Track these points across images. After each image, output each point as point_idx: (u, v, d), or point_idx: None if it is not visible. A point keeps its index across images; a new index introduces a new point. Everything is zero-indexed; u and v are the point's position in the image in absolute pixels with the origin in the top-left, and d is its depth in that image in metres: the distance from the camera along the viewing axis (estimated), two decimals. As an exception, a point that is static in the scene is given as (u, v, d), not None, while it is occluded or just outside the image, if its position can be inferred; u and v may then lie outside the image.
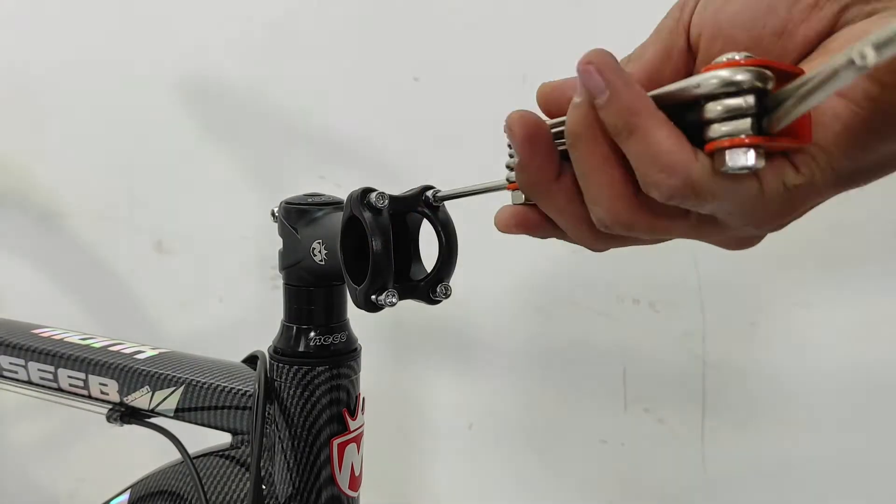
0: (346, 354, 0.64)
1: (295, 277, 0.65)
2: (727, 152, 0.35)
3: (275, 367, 0.64)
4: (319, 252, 0.60)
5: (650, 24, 1.29)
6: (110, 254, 1.55)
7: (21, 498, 1.67)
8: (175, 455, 0.72)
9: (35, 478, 1.65)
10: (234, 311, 1.50)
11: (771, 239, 1.22)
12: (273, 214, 0.67)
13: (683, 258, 1.29)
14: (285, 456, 0.63)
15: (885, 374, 1.26)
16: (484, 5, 1.31)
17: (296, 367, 0.62)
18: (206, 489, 0.68)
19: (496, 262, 1.34)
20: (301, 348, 0.63)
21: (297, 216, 0.65)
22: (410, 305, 0.59)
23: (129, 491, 0.73)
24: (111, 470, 1.51)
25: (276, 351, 0.64)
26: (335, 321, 0.64)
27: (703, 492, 1.35)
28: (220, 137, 1.46)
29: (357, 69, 1.37)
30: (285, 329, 0.64)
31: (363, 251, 0.54)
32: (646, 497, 1.39)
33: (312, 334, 0.63)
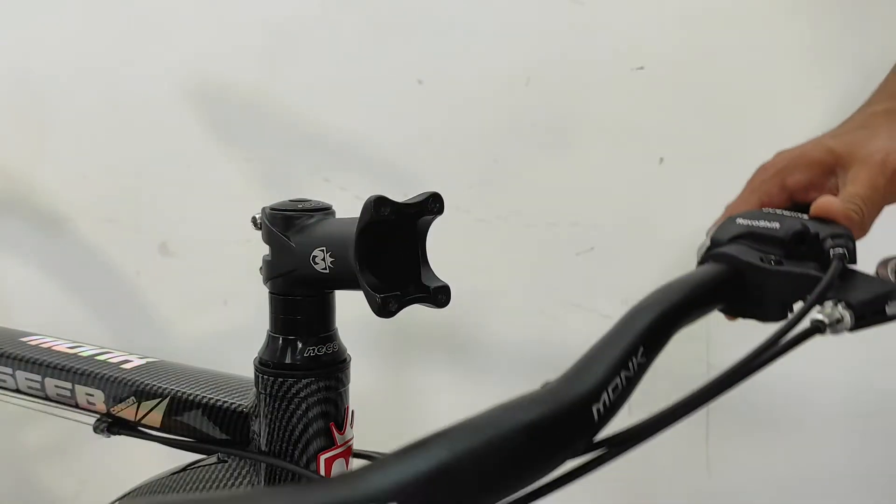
0: (333, 366, 0.63)
1: (285, 287, 0.63)
2: None
3: (260, 379, 0.62)
4: (323, 259, 0.59)
5: (650, 26, 1.27)
6: (115, 256, 1.55)
7: (23, 500, 1.67)
8: (164, 467, 0.71)
9: (37, 481, 1.65)
10: (239, 314, 1.49)
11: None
12: (254, 222, 0.66)
13: (687, 260, 1.27)
14: (271, 471, 0.62)
15: (892, 380, 1.25)
16: (487, 8, 1.30)
17: (281, 379, 0.61)
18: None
19: (498, 265, 1.32)
20: (287, 360, 0.62)
21: (287, 223, 0.63)
22: (411, 310, 0.58)
23: (117, 503, 0.72)
24: (114, 473, 1.50)
25: (262, 363, 0.63)
26: (324, 331, 0.63)
27: (707, 494, 1.34)
28: (225, 140, 1.45)
29: (361, 72, 1.36)
30: (271, 340, 0.63)
31: (376, 258, 0.55)
32: (650, 499, 1.38)
33: (299, 345, 0.62)
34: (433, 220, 0.58)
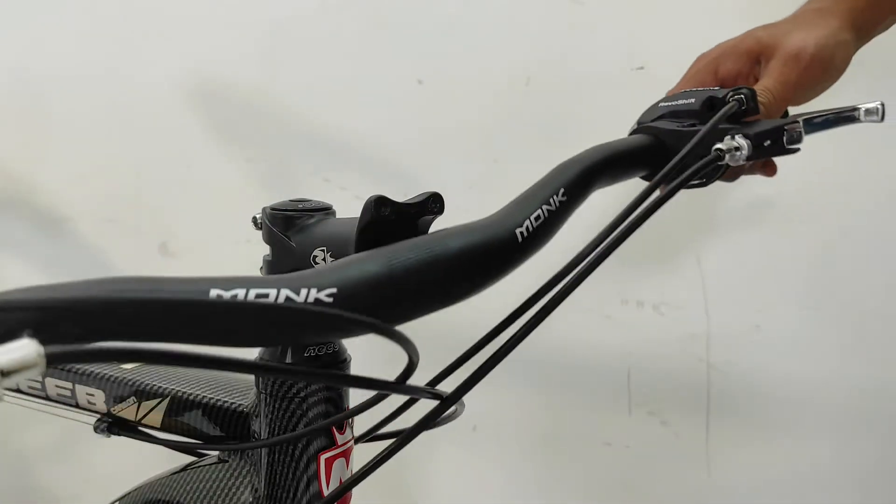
0: (334, 366, 0.63)
1: (285, 286, 0.63)
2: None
3: (260, 378, 0.62)
4: (324, 259, 0.59)
5: (651, 27, 1.27)
6: (115, 256, 1.55)
7: (23, 500, 1.67)
8: (164, 467, 0.71)
9: (37, 481, 1.65)
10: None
11: (776, 243, 1.21)
12: (255, 221, 0.66)
13: (688, 261, 1.27)
14: (272, 470, 0.62)
15: (891, 378, 1.25)
16: (487, 8, 1.30)
17: (282, 379, 0.61)
18: (194, 502, 0.67)
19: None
20: (287, 360, 0.62)
21: (287, 223, 0.64)
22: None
23: (117, 503, 0.72)
24: (114, 474, 1.50)
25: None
26: (324, 331, 0.63)
27: (708, 494, 1.34)
28: (225, 140, 1.45)
29: (361, 72, 1.36)
30: (272, 340, 0.63)
31: None
32: (650, 500, 1.38)
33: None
34: (433, 220, 0.58)
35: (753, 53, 0.74)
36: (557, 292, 0.54)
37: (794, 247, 1.23)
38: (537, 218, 0.54)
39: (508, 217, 0.53)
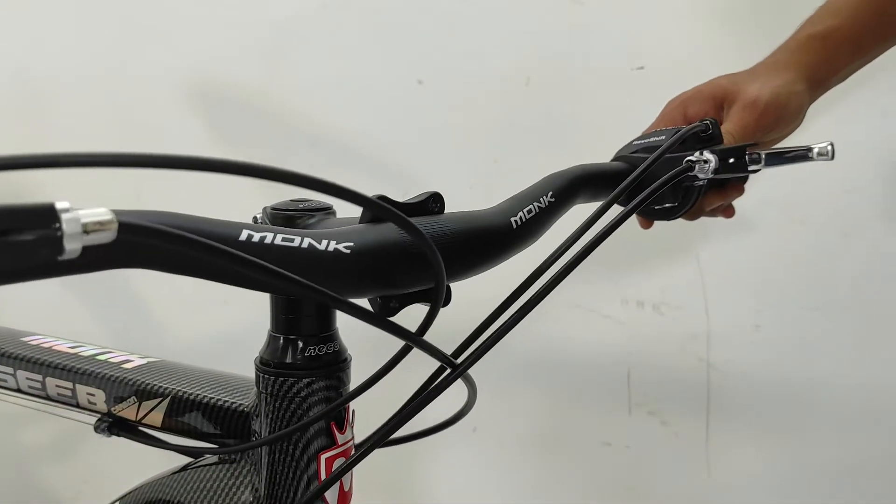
0: (334, 366, 0.63)
1: (285, 286, 0.63)
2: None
3: (261, 378, 0.62)
4: None
5: (651, 27, 1.27)
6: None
7: (26, 499, 1.67)
8: (164, 466, 0.71)
9: (37, 481, 1.65)
10: (239, 315, 1.49)
11: (776, 243, 1.21)
12: (255, 221, 0.66)
13: (688, 261, 1.27)
14: (272, 470, 0.62)
15: (891, 378, 1.25)
16: (487, 8, 1.30)
17: (282, 378, 0.61)
18: (194, 502, 0.67)
19: (498, 265, 1.32)
20: (288, 359, 0.62)
21: (287, 223, 0.63)
22: (412, 309, 0.58)
23: (117, 503, 0.72)
24: (114, 473, 1.50)
25: (263, 362, 0.63)
26: (325, 331, 0.63)
27: (707, 494, 1.34)
28: (225, 140, 1.45)
29: (361, 72, 1.36)
30: (272, 339, 0.63)
31: None
32: (650, 500, 1.38)
33: (300, 345, 0.62)
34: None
35: (717, 99, 0.83)
36: (559, 270, 0.59)
37: (794, 247, 1.23)
38: (529, 211, 0.64)
39: (505, 209, 0.63)
